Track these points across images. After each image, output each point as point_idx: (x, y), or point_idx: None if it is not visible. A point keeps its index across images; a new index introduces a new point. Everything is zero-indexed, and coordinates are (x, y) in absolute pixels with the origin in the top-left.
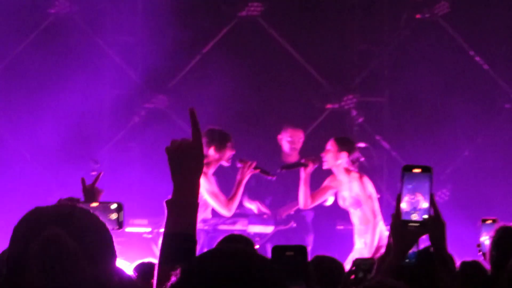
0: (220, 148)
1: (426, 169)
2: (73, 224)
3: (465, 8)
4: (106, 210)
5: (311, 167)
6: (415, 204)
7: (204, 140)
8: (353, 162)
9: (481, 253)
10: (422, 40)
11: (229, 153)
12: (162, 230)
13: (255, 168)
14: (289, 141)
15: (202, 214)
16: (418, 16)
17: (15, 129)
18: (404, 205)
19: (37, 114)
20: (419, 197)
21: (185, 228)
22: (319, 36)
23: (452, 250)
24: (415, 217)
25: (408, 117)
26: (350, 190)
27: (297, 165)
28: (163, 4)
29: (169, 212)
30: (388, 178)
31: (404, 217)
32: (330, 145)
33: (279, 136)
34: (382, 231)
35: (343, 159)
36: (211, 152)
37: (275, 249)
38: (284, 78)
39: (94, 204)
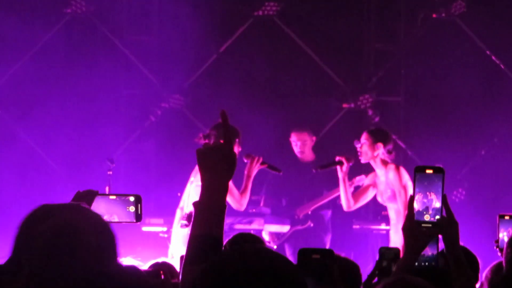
0: None
1: (438, 170)
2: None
3: (482, 8)
4: (125, 202)
5: (346, 165)
6: (428, 204)
7: (213, 134)
8: (389, 152)
9: (498, 248)
10: (439, 40)
11: (236, 149)
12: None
13: (262, 163)
14: (296, 145)
15: None
16: (434, 15)
17: (30, 129)
18: (416, 206)
19: (53, 114)
20: (432, 197)
21: (212, 230)
22: (335, 36)
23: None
24: (427, 217)
25: (424, 117)
26: (387, 182)
27: (332, 164)
28: (179, 4)
29: (197, 214)
30: None
31: (416, 218)
32: (364, 138)
33: (290, 139)
34: None
35: (380, 150)
36: None
37: (301, 252)
38: (300, 77)
39: (113, 197)
